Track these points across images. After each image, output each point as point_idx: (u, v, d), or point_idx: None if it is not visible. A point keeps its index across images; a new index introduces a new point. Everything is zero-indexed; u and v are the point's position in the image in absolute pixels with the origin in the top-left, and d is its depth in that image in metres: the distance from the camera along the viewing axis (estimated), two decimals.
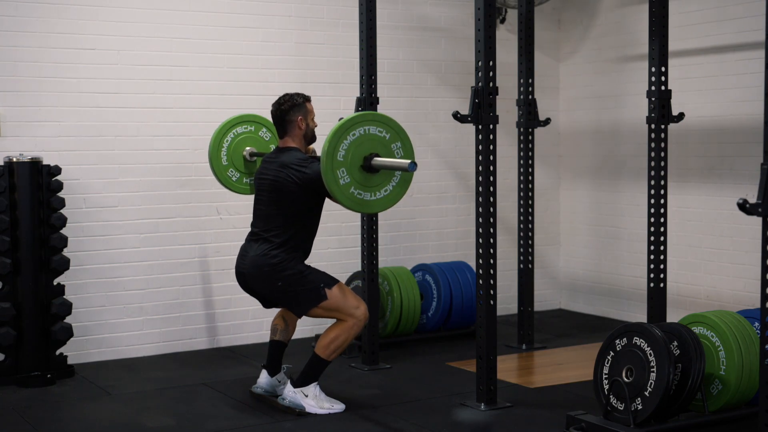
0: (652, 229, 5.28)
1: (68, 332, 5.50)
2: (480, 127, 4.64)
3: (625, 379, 4.21)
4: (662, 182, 5.26)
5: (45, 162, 5.54)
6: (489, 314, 4.72)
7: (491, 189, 4.69)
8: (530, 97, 6.16)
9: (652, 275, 5.29)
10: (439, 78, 7.07)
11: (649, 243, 5.29)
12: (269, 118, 5.05)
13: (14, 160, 5.39)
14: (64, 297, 5.54)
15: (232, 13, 6.27)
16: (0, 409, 4.90)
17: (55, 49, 5.74)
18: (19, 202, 5.38)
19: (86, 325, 5.86)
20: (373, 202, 4.38)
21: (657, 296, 5.30)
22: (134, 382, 5.45)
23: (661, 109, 5.23)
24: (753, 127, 5.99)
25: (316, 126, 4.89)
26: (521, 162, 6.21)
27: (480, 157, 4.67)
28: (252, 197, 5.05)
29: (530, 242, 6.25)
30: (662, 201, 5.27)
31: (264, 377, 5.00)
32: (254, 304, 5.46)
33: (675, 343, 4.25)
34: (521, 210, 6.24)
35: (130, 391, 5.23)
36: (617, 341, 4.30)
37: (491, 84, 4.63)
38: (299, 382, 4.73)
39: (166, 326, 6.14)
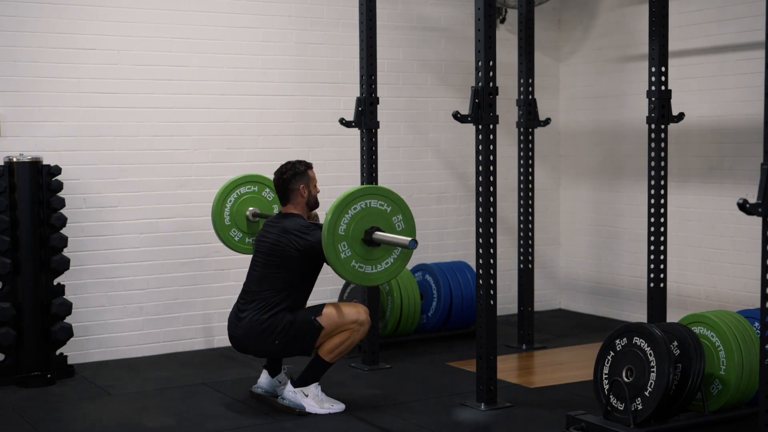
0: (652, 229, 5.28)
1: (68, 332, 5.50)
2: (480, 127, 4.64)
3: (625, 379, 4.21)
4: (662, 182, 5.26)
5: (45, 162, 5.54)
6: (489, 314, 4.72)
7: (491, 189, 4.69)
8: (530, 97, 6.15)
9: (652, 275, 5.29)
10: (439, 78, 7.07)
11: (649, 243, 5.29)
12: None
13: (14, 160, 5.39)
14: (64, 297, 5.54)
15: (232, 13, 6.27)
16: (0, 409, 4.90)
17: (55, 49, 5.74)
18: (19, 202, 5.38)
19: (86, 325, 5.86)
20: (374, 275, 4.40)
21: (657, 296, 5.30)
22: (134, 382, 5.45)
23: (661, 109, 5.23)
24: (753, 127, 5.99)
25: (318, 192, 4.89)
26: (521, 162, 6.21)
27: (480, 157, 4.67)
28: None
29: (530, 242, 6.25)
30: (662, 201, 5.27)
31: (264, 377, 5.00)
32: None
33: (675, 343, 4.24)
34: (521, 210, 6.24)
35: (130, 391, 5.23)
36: (617, 341, 4.30)
37: (491, 84, 4.63)
38: (300, 382, 4.73)
39: (166, 326, 6.14)
